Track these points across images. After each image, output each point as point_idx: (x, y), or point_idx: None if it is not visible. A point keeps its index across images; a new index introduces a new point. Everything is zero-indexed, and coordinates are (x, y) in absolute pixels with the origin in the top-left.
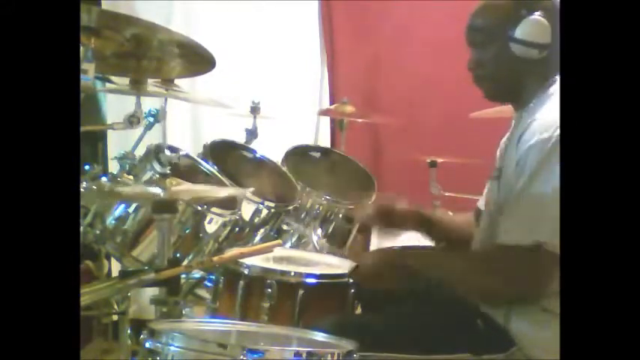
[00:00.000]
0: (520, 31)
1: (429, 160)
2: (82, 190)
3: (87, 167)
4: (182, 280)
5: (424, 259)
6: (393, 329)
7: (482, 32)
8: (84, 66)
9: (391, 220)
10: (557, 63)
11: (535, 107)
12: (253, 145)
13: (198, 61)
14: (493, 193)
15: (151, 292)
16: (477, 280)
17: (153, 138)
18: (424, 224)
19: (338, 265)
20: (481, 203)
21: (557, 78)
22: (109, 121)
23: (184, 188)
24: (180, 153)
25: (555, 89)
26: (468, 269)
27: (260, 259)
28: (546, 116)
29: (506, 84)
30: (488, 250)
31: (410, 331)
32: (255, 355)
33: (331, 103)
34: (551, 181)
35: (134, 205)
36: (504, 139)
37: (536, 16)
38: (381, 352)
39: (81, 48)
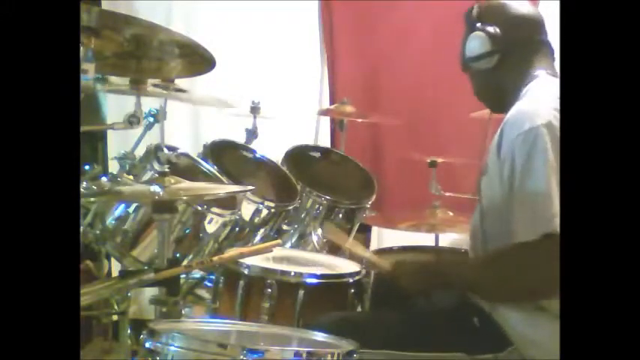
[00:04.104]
0: (467, 51)
1: (429, 160)
2: (82, 190)
3: (87, 167)
4: (182, 280)
5: (456, 268)
6: (391, 327)
7: (461, 62)
8: (84, 66)
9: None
10: (525, 60)
11: (513, 104)
12: (253, 145)
13: (198, 61)
14: (483, 188)
15: (151, 292)
16: (497, 284)
17: (153, 138)
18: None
19: (338, 265)
20: None
21: (537, 73)
22: (109, 121)
23: (184, 186)
24: (178, 151)
25: (532, 85)
26: (486, 272)
27: (260, 259)
28: (523, 109)
29: (491, 97)
30: (502, 252)
31: (408, 329)
32: (255, 355)
33: (331, 103)
34: (542, 174)
35: (134, 205)
36: (495, 136)
37: (474, 32)
38: (379, 349)
39: (81, 48)
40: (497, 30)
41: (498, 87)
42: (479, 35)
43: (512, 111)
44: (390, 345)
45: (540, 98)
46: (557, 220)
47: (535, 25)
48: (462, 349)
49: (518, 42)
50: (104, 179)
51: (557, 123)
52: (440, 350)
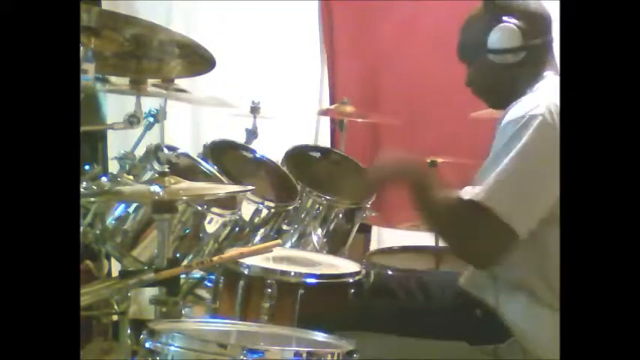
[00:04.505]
0: (491, 41)
1: (429, 160)
2: (82, 190)
3: (87, 167)
4: (182, 280)
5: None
6: (392, 317)
7: (465, 49)
8: (84, 66)
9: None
10: (541, 61)
11: (515, 100)
12: (253, 145)
13: (198, 61)
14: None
15: (151, 292)
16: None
17: (153, 138)
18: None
19: (338, 265)
20: None
21: (545, 74)
22: (109, 121)
23: (184, 186)
24: (178, 151)
25: (541, 85)
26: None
27: (260, 259)
28: (524, 100)
29: (498, 92)
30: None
31: (410, 318)
32: (255, 355)
33: (331, 103)
34: (514, 150)
35: (134, 205)
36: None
37: (504, 22)
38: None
39: (81, 48)
40: (525, 25)
41: (511, 84)
42: (509, 28)
43: (515, 104)
44: (392, 334)
45: (544, 95)
46: (489, 194)
47: (550, 24)
48: (463, 338)
49: (540, 40)
50: (104, 179)
51: (552, 121)
52: (442, 339)
